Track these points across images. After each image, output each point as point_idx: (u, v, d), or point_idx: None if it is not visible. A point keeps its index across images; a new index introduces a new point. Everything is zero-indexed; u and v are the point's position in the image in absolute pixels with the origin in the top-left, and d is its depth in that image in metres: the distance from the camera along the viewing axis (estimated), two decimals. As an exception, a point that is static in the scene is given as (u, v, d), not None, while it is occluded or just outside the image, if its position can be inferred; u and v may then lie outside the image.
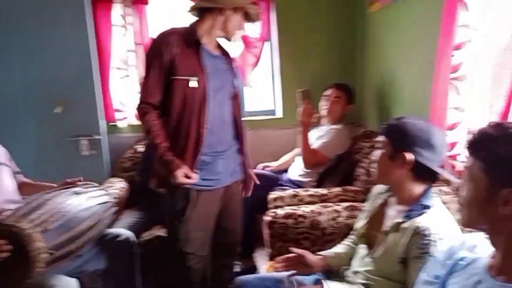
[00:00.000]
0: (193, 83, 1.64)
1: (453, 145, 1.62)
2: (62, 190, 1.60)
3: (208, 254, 1.93)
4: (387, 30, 2.40)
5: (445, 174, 1.30)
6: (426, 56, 1.84)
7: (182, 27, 1.74)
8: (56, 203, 1.47)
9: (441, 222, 1.19)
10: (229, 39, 1.77)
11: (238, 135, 1.85)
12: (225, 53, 1.82)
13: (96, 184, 1.76)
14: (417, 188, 1.28)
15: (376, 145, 1.38)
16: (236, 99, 1.81)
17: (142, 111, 1.68)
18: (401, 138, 1.25)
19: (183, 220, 1.73)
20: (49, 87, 2.65)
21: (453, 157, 1.63)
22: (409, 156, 1.23)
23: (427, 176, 1.27)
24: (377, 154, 1.33)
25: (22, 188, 1.75)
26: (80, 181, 1.71)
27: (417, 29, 2.00)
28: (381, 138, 1.33)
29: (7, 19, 2.56)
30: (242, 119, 1.87)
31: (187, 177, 1.65)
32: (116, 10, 2.78)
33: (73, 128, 2.69)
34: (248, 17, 1.76)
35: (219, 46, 1.82)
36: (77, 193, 1.59)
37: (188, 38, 1.67)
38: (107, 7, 2.77)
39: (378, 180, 1.39)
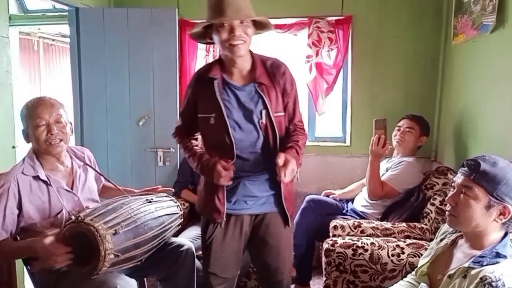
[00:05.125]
0: (212, 120, 1.60)
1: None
2: (137, 197, 1.73)
3: (234, 279, 1.78)
4: (472, 63, 2.29)
5: None
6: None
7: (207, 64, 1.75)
8: (130, 209, 1.60)
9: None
10: (234, 51, 1.53)
11: (272, 165, 1.55)
12: (257, 82, 1.60)
13: (167, 195, 1.88)
14: (495, 234, 1.20)
15: (454, 184, 1.25)
16: (268, 129, 1.61)
17: (176, 137, 1.81)
18: (503, 188, 1.15)
19: (204, 237, 1.71)
20: (137, 101, 2.92)
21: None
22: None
23: None
24: (462, 199, 1.21)
25: (102, 190, 1.92)
26: (157, 188, 1.84)
27: (506, 64, 1.88)
28: (469, 182, 1.20)
29: (114, 40, 2.87)
30: (292, 146, 1.62)
31: (225, 169, 1.54)
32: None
33: (153, 141, 2.93)
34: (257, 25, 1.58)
35: (250, 75, 1.63)
36: (149, 202, 1.72)
37: (205, 76, 1.63)
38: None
39: (460, 226, 1.25)
